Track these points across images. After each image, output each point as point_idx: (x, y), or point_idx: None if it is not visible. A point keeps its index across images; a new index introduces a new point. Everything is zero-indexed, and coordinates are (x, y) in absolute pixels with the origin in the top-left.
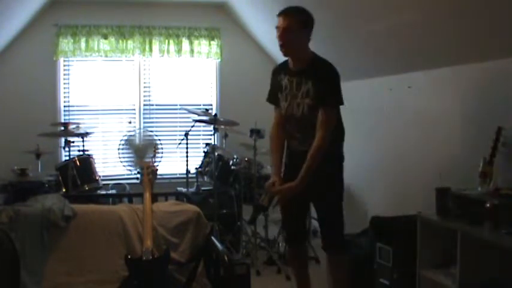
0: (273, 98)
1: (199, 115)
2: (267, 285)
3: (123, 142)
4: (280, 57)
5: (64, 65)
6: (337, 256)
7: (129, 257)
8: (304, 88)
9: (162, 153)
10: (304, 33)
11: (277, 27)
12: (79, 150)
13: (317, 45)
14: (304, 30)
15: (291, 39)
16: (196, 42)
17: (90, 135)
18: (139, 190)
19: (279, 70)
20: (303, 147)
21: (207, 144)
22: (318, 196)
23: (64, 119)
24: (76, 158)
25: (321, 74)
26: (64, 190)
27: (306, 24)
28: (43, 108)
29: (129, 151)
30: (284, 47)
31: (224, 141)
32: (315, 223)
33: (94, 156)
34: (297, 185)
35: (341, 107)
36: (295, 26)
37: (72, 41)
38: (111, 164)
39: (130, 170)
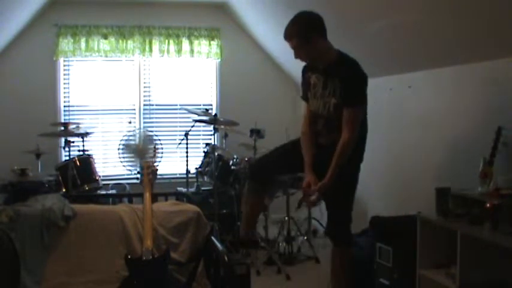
0: (305, 95)
1: (199, 115)
2: (267, 285)
3: (123, 142)
4: (282, 58)
5: (64, 65)
6: (344, 249)
7: (129, 257)
8: (330, 87)
9: (162, 153)
10: (315, 42)
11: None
12: (79, 150)
13: None
14: (313, 39)
15: (307, 53)
16: (196, 42)
17: (90, 135)
18: (139, 190)
19: (308, 68)
20: (329, 144)
21: (207, 144)
22: (332, 191)
23: (64, 119)
24: (76, 158)
25: (347, 73)
26: (64, 190)
27: (311, 33)
28: (43, 108)
29: (129, 151)
30: (306, 61)
31: (224, 141)
32: (315, 223)
33: (94, 156)
34: (326, 183)
35: None
36: (302, 42)
37: (72, 41)
38: (111, 164)
39: (130, 170)
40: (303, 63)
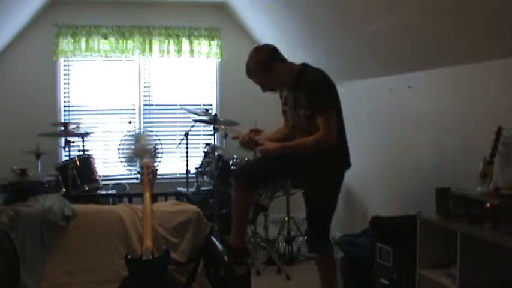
0: (283, 111)
1: (199, 115)
2: (267, 285)
3: (123, 142)
4: None
5: (64, 65)
6: (326, 256)
7: (129, 257)
8: (299, 100)
9: (162, 153)
10: (274, 69)
11: None
12: (79, 150)
13: (317, 45)
14: (271, 68)
15: (272, 83)
16: (196, 42)
17: (90, 135)
18: (139, 190)
19: None
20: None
21: (207, 144)
22: (314, 199)
23: (64, 119)
24: (76, 158)
25: (308, 85)
26: (64, 190)
27: (268, 63)
28: (43, 108)
29: (129, 151)
30: (276, 89)
31: (224, 141)
32: None
33: (94, 156)
34: (273, 148)
35: (342, 106)
36: (263, 74)
37: (72, 41)
38: (111, 164)
39: (130, 170)
40: None
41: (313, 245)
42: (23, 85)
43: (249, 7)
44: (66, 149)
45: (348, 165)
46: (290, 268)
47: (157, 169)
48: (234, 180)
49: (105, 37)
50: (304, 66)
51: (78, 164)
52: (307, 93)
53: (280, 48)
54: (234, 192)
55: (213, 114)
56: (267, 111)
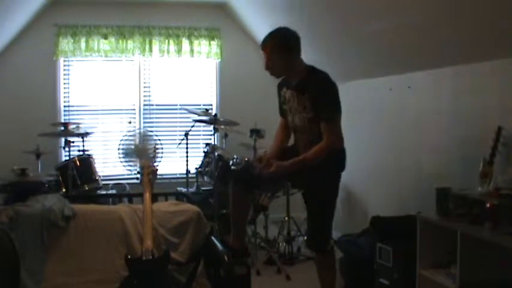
0: (281, 110)
1: (199, 115)
2: (267, 285)
3: (123, 142)
4: None
5: (64, 65)
6: (326, 255)
7: (129, 257)
8: (303, 102)
9: (162, 153)
10: (289, 55)
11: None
12: (79, 150)
13: (318, 45)
14: (286, 53)
15: (279, 64)
16: (196, 42)
17: (90, 135)
18: (140, 190)
19: (282, 84)
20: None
21: (207, 144)
22: (313, 203)
23: (64, 119)
24: (76, 158)
25: (315, 88)
26: (64, 190)
27: (288, 46)
28: (43, 108)
29: (129, 151)
30: (270, 72)
31: (224, 141)
32: None
33: (94, 156)
34: (284, 165)
35: (342, 106)
36: (278, 52)
37: (72, 41)
38: (111, 164)
39: (130, 170)
40: None
41: (315, 246)
42: (23, 85)
43: (249, 7)
44: (66, 149)
45: (344, 167)
46: (290, 268)
47: (157, 169)
48: (233, 182)
49: (105, 37)
50: (312, 68)
51: (78, 164)
52: (315, 97)
53: None
54: (232, 194)
55: (213, 114)
56: (267, 111)
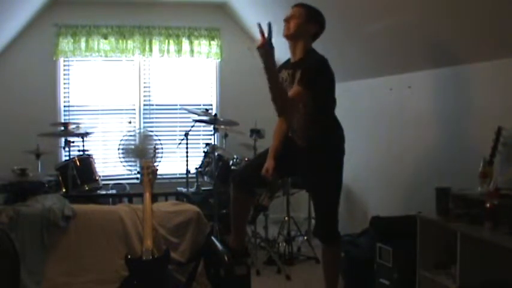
0: None
1: (199, 115)
2: (267, 285)
3: (123, 142)
4: (282, 58)
5: (64, 65)
6: (333, 246)
7: (129, 257)
8: (296, 78)
9: (162, 153)
10: (310, 26)
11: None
12: (79, 150)
13: (318, 45)
14: (309, 23)
15: (297, 26)
16: (196, 42)
17: (90, 135)
18: (140, 190)
19: (281, 66)
20: (306, 146)
21: (207, 144)
22: (318, 192)
23: (64, 119)
24: (76, 158)
25: (308, 63)
26: (64, 190)
27: (315, 20)
28: (43, 108)
29: (129, 151)
30: (286, 30)
31: (224, 141)
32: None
33: (94, 156)
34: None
35: (340, 106)
36: (304, 16)
37: (72, 41)
38: (111, 164)
39: (130, 170)
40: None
41: (323, 235)
42: (23, 85)
43: (249, 7)
44: (66, 149)
45: (343, 151)
46: (290, 268)
47: (157, 169)
48: (233, 182)
49: (105, 37)
50: (313, 49)
51: (78, 164)
52: (305, 66)
53: (280, 48)
54: (232, 194)
55: (213, 114)
56: (267, 111)
